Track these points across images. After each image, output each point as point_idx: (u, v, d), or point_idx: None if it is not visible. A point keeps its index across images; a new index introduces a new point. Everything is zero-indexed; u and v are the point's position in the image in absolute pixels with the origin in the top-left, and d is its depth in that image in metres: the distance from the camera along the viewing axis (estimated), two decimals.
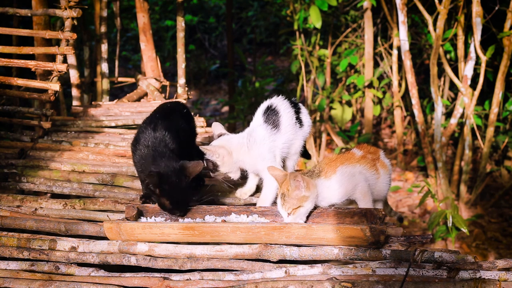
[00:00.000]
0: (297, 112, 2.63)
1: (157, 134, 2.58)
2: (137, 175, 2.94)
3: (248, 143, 2.52)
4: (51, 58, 4.16)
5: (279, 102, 2.59)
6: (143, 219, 2.43)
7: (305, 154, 2.85)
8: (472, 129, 5.69)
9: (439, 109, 5.73)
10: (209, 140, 3.53)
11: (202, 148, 2.50)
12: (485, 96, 5.95)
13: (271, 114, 2.56)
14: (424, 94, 6.77)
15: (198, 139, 3.42)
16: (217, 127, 2.66)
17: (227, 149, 2.51)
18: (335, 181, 2.35)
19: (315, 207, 2.35)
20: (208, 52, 11.02)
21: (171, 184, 2.38)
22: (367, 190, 2.40)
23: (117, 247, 2.23)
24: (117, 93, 8.21)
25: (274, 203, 2.63)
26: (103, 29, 5.11)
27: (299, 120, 2.62)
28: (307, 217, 2.34)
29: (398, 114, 6.69)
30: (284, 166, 2.73)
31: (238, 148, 2.53)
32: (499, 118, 5.77)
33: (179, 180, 2.39)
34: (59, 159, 3.33)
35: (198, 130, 3.27)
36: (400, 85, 6.66)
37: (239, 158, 2.53)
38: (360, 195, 2.39)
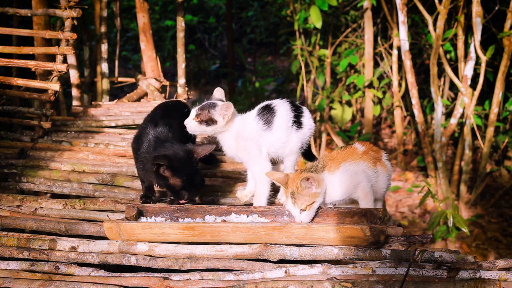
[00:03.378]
0: (299, 114, 2.63)
1: (158, 129, 2.59)
2: (137, 175, 2.94)
3: (239, 129, 2.53)
4: (51, 58, 4.16)
5: (279, 103, 2.61)
6: (143, 219, 2.43)
7: (309, 157, 2.85)
8: (472, 129, 5.69)
9: (439, 109, 5.73)
10: (208, 140, 3.53)
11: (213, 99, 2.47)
12: (485, 96, 5.95)
13: (267, 112, 2.57)
14: (424, 94, 6.77)
15: (198, 138, 3.42)
16: (219, 92, 2.62)
17: (232, 114, 2.51)
18: (338, 177, 2.35)
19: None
20: (208, 52, 11.02)
21: (181, 161, 2.42)
22: (369, 190, 2.40)
23: (117, 247, 2.23)
24: (117, 93, 8.21)
25: (272, 202, 2.64)
26: (103, 29, 5.11)
27: (298, 122, 2.62)
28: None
29: (398, 114, 6.69)
30: (278, 167, 2.75)
31: (235, 124, 2.53)
32: (499, 118, 5.77)
33: (188, 158, 2.43)
34: (59, 159, 3.33)
35: None
36: (400, 85, 6.66)
37: (226, 129, 2.52)
38: (362, 194, 2.39)
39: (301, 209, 2.27)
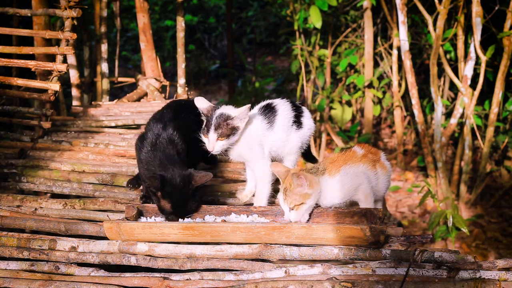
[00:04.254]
0: (299, 114, 2.64)
1: (166, 134, 2.56)
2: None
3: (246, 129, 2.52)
4: (51, 58, 4.15)
5: (279, 102, 2.62)
6: (143, 219, 2.43)
7: (309, 158, 2.85)
8: (472, 129, 5.69)
9: (439, 109, 5.74)
10: None
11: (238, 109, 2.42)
12: (485, 96, 5.95)
13: (269, 111, 2.58)
14: (424, 94, 6.77)
15: None
16: (202, 101, 2.50)
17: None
18: (339, 180, 2.35)
19: (316, 206, 2.35)
20: (208, 52, 11.02)
21: (175, 187, 2.37)
22: (369, 192, 2.40)
23: (117, 247, 2.23)
24: (117, 93, 8.20)
25: (272, 203, 2.63)
26: (103, 29, 5.11)
27: (298, 122, 2.63)
28: (309, 216, 2.34)
29: (398, 114, 6.69)
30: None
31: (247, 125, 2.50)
32: (499, 118, 5.77)
33: (183, 185, 2.39)
34: (59, 159, 3.33)
35: None
36: (400, 85, 6.66)
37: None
38: (362, 196, 2.39)
39: (290, 207, 2.27)
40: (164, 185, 2.36)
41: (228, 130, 2.42)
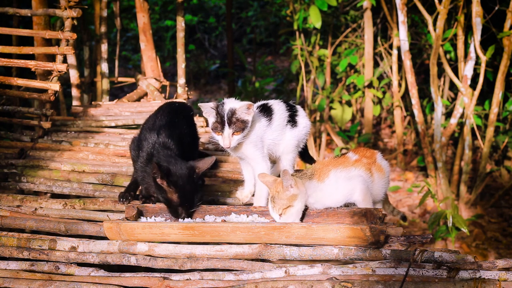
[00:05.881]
0: (293, 114, 2.65)
1: (160, 140, 2.55)
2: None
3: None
4: (51, 58, 4.15)
5: (274, 102, 2.65)
6: (143, 219, 2.43)
7: (306, 158, 2.86)
8: (472, 129, 5.69)
9: (439, 109, 5.74)
10: (209, 140, 3.52)
11: (238, 103, 2.44)
12: (485, 96, 5.95)
13: (265, 110, 2.59)
14: (424, 94, 6.77)
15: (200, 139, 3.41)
16: (205, 105, 2.50)
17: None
18: (329, 184, 2.35)
19: (306, 208, 2.35)
20: (208, 52, 11.02)
21: (181, 177, 2.37)
22: (366, 192, 2.39)
23: (117, 247, 2.23)
24: (117, 93, 8.21)
25: None
26: (103, 29, 5.11)
27: (293, 121, 2.64)
28: (302, 219, 2.34)
29: (398, 114, 6.69)
30: (277, 166, 2.77)
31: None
32: (499, 118, 5.77)
33: (189, 175, 2.39)
34: (59, 159, 3.33)
35: (198, 130, 3.25)
36: (400, 85, 6.66)
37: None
38: (359, 197, 2.39)
39: (279, 214, 2.28)
40: (169, 174, 2.35)
41: (241, 124, 2.43)
